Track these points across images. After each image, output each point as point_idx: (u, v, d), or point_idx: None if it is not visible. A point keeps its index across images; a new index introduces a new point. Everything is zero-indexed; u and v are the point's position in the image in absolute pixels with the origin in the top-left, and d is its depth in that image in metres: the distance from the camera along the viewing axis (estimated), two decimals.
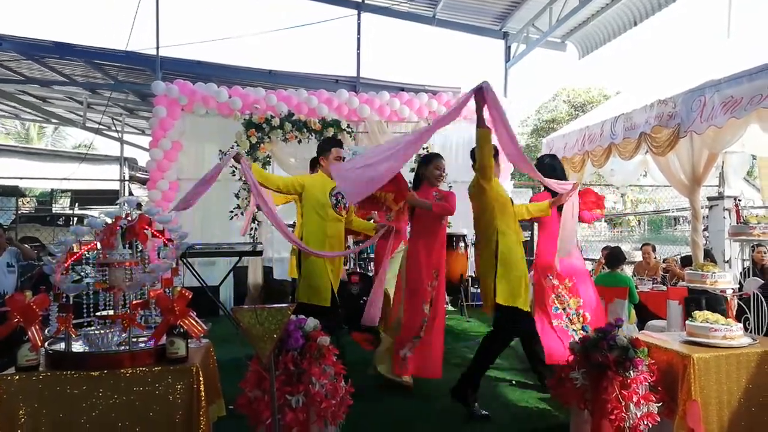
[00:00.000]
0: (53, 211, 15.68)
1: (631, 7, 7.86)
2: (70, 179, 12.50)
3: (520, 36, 9.41)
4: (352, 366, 4.42)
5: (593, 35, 8.97)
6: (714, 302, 3.41)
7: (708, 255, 5.01)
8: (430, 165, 4.10)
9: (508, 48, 9.82)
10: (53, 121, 15.24)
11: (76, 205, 16.29)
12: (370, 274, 6.14)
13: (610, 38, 8.68)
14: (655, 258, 7.17)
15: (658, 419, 2.74)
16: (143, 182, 13.54)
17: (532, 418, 3.53)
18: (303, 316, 2.74)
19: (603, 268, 6.04)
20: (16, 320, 2.29)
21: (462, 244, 7.06)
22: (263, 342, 2.31)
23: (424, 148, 7.76)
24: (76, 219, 13.76)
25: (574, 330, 4.08)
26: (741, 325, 2.98)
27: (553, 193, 4.14)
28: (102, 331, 2.52)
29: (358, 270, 6.34)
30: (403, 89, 8.44)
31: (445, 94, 8.05)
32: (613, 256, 5.27)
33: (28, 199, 18.71)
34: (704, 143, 4.50)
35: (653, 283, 6.17)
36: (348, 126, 7.53)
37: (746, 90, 3.74)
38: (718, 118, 3.94)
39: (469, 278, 7.45)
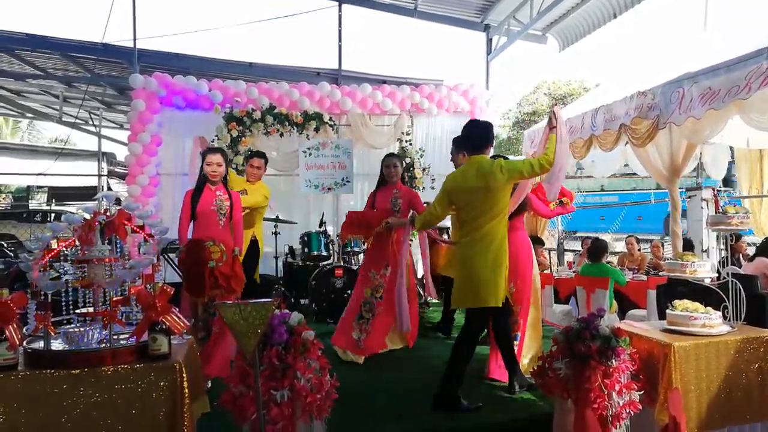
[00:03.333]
0: (29, 208, 15.41)
1: None
2: (46, 175, 12.25)
3: (502, 28, 9.43)
4: (339, 358, 4.44)
5: (573, 28, 9.02)
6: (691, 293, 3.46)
7: (689, 244, 5.09)
8: (382, 165, 4.83)
9: (489, 40, 9.83)
10: (28, 115, 14.92)
11: (53, 201, 16.02)
12: (354, 267, 6.13)
13: (590, 31, 8.73)
14: (639, 249, 7.30)
15: (640, 407, 2.78)
16: (122, 177, 13.35)
17: (516, 407, 3.56)
18: (287, 311, 2.72)
19: (586, 260, 6.11)
20: None
21: (445, 236, 7.07)
22: (247, 337, 2.29)
23: (407, 141, 7.78)
24: (53, 215, 13.53)
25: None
26: (720, 313, 3.03)
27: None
28: (82, 329, 2.48)
29: (342, 264, 6.33)
30: (385, 82, 8.41)
31: (427, 86, 8.02)
32: (596, 249, 5.34)
33: (4, 196, 18.37)
34: (683, 134, 4.55)
35: (633, 273, 6.27)
36: (330, 119, 7.48)
37: (724, 82, 3.79)
38: (697, 110, 3.99)
39: None
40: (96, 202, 2.66)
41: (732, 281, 3.12)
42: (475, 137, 3.64)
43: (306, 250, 6.60)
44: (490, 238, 3.45)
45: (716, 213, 3.46)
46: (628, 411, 2.75)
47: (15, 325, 2.29)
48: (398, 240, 4.68)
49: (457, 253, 3.66)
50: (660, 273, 5.26)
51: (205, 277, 3.83)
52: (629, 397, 2.76)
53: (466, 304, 3.57)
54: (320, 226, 6.75)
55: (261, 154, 5.42)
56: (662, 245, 7.19)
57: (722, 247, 5.14)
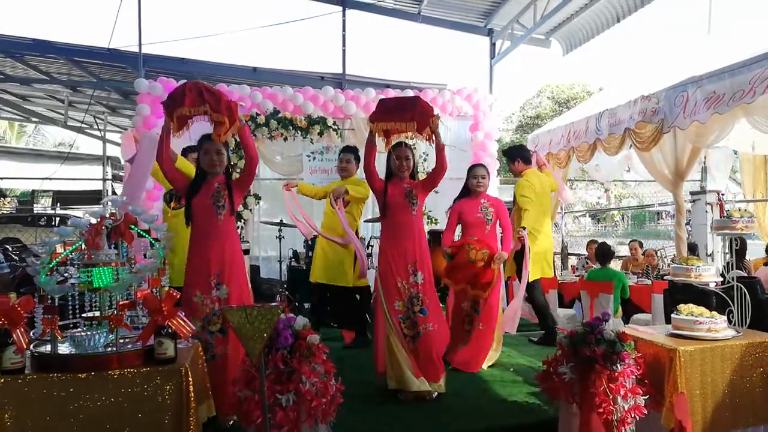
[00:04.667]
0: (34, 212, 15.48)
1: (614, 3, 7.92)
2: (51, 179, 12.30)
3: (505, 33, 9.44)
4: (343, 363, 4.43)
5: (577, 32, 9.02)
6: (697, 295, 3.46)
7: (694, 249, 5.07)
8: (390, 157, 3.98)
9: (492, 45, 9.85)
10: (34, 119, 15.00)
11: (58, 205, 16.08)
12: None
13: (594, 35, 8.73)
14: (643, 254, 7.30)
15: (645, 411, 2.78)
16: None
17: (522, 412, 3.54)
18: (292, 315, 2.73)
19: (592, 264, 6.10)
20: (0, 323, 2.25)
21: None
22: (253, 341, 2.30)
23: (413, 146, 7.78)
24: (58, 219, 13.58)
25: None
26: (725, 317, 3.02)
27: None
28: (88, 333, 2.49)
29: None
30: (389, 86, 8.43)
31: (430, 90, 8.04)
32: (603, 253, 5.34)
33: (9, 200, 18.45)
34: (687, 138, 4.56)
35: (638, 278, 6.26)
36: (334, 123, 7.51)
37: (728, 86, 3.80)
38: (701, 114, 4.00)
39: None
40: (101, 206, 2.68)
41: (737, 286, 3.11)
42: (527, 154, 5.28)
43: (310, 254, 6.60)
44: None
45: (721, 217, 3.46)
46: (633, 415, 2.74)
47: (22, 329, 2.30)
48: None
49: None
50: (664, 277, 5.26)
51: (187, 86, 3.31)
52: (634, 402, 2.76)
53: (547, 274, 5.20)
54: None
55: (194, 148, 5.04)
56: (656, 252, 7.23)
57: (727, 251, 5.12)
